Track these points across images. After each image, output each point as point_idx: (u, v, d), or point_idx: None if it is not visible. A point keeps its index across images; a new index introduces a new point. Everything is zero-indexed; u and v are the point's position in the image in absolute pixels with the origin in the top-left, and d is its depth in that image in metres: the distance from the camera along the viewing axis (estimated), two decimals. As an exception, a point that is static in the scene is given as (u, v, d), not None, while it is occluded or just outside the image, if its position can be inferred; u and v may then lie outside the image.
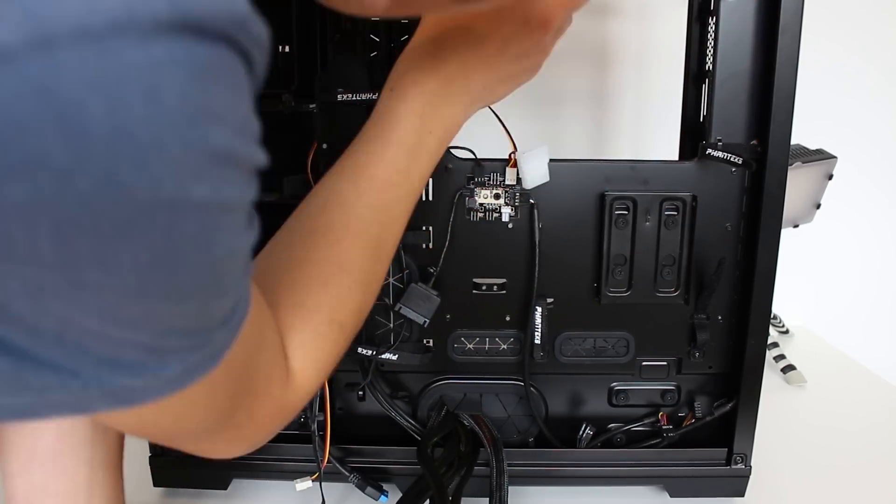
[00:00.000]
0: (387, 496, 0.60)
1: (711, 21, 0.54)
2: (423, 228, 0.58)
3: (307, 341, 0.38)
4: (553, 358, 0.61)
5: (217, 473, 0.64)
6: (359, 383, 0.61)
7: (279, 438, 0.59)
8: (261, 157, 0.24)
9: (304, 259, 0.40)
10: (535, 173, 0.55)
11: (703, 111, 0.57)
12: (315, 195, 0.43)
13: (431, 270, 0.58)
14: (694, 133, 0.59)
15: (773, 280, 0.56)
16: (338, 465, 0.60)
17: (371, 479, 0.60)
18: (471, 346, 0.61)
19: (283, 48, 0.56)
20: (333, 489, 0.63)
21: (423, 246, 0.58)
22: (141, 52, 0.18)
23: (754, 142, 0.55)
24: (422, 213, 0.57)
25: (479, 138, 0.56)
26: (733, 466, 0.61)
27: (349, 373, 0.61)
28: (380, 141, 0.43)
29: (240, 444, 0.37)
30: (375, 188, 0.42)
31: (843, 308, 1.12)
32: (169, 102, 0.19)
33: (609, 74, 1.03)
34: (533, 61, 0.46)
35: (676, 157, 0.62)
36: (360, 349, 0.57)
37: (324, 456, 0.59)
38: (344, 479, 0.60)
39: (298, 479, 0.60)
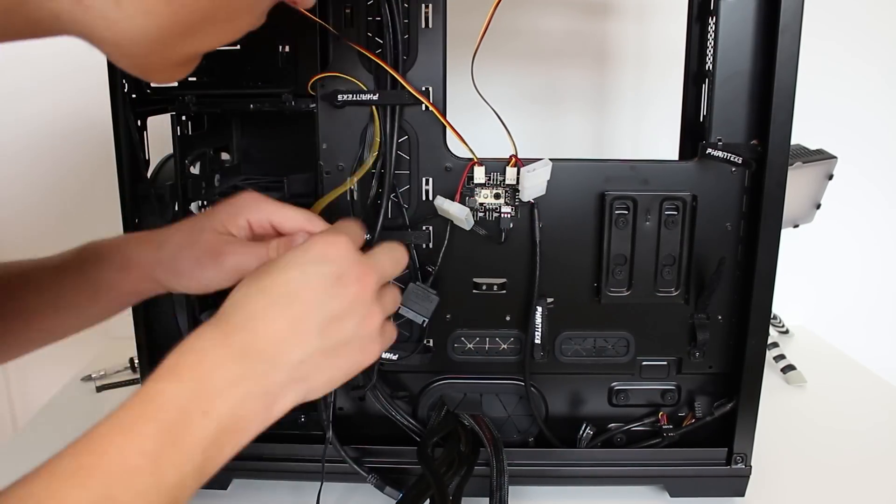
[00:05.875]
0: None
1: (711, 21, 0.54)
2: (423, 228, 0.57)
3: None
4: (553, 358, 0.61)
5: (217, 474, 0.63)
6: (360, 386, 0.60)
7: (279, 439, 0.60)
8: None
9: None
10: (536, 189, 0.55)
11: (703, 111, 0.57)
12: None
13: (430, 270, 0.58)
14: (694, 133, 0.59)
15: (774, 280, 0.56)
16: (354, 465, 0.59)
17: (389, 479, 0.60)
18: (471, 345, 0.61)
19: (283, 48, 0.56)
20: (334, 489, 0.63)
21: (423, 245, 0.58)
22: None
23: (754, 142, 0.55)
24: (422, 213, 0.57)
25: (480, 138, 0.56)
26: (733, 466, 0.61)
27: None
28: (128, 415, 0.32)
29: None
30: (101, 472, 0.30)
31: (843, 308, 1.12)
32: None
33: (609, 74, 1.03)
34: (363, 326, 0.39)
35: (676, 157, 0.62)
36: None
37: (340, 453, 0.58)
38: (359, 480, 0.60)
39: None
